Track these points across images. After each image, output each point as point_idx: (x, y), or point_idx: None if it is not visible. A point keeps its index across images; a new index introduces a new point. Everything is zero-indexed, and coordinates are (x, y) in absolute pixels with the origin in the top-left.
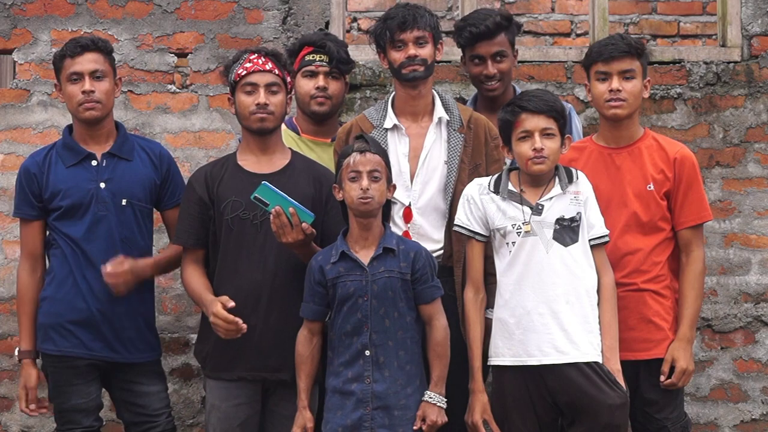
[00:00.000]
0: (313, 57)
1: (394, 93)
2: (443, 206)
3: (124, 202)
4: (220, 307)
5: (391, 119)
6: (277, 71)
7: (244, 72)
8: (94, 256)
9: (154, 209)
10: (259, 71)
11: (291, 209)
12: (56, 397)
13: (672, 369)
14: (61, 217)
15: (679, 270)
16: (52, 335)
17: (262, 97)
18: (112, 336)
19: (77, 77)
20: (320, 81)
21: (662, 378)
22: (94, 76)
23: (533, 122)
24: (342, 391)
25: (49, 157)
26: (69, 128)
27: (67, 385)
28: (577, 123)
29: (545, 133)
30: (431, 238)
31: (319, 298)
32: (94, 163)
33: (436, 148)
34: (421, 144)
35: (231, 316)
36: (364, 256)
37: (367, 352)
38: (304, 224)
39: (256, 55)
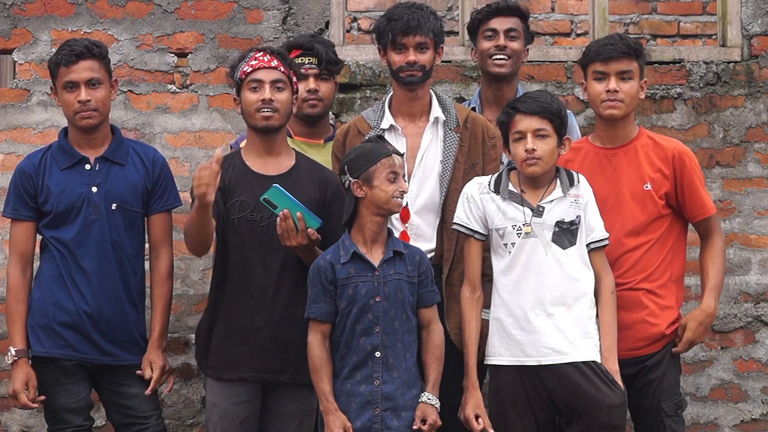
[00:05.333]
0: (302, 60)
1: (391, 93)
2: (440, 206)
3: (114, 206)
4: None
5: (387, 120)
6: (282, 69)
7: (250, 69)
8: (83, 259)
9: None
10: (265, 68)
11: (298, 214)
12: (45, 398)
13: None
14: (52, 220)
15: (700, 250)
16: (40, 336)
17: (267, 93)
18: (100, 338)
19: (72, 86)
20: (311, 84)
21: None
22: (90, 84)
23: (525, 123)
24: (349, 393)
25: (45, 159)
26: (65, 131)
27: (55, 385)
28: (578, 132)
29: (538, 134)
30: (429, 237)
31: (331, 298)
32: (87, 166)
33: (433, 147)
34: (418, 144)
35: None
36: (373, 258)
37: (378, 354)
38: (309, 229)
39: (262, 53)
